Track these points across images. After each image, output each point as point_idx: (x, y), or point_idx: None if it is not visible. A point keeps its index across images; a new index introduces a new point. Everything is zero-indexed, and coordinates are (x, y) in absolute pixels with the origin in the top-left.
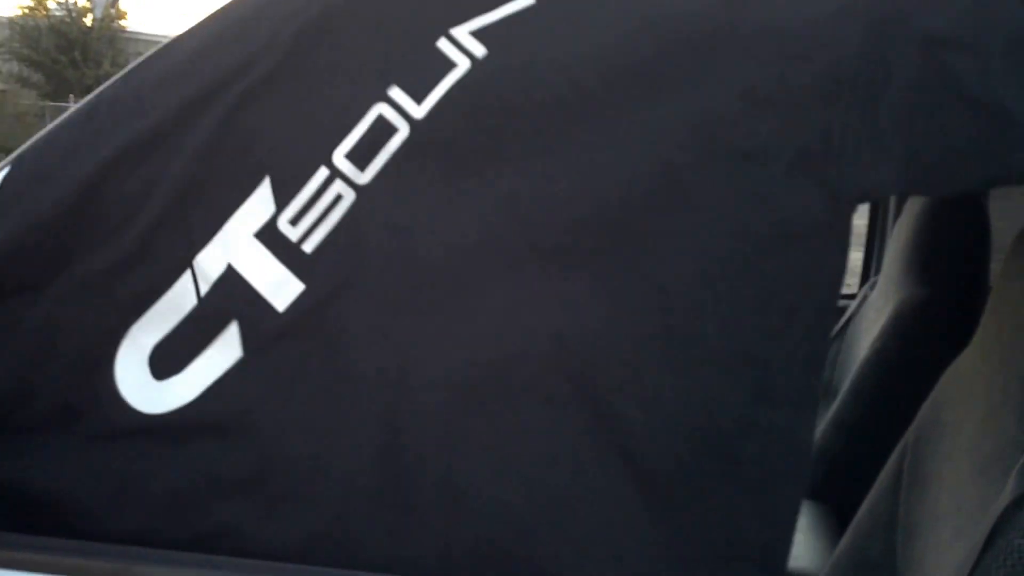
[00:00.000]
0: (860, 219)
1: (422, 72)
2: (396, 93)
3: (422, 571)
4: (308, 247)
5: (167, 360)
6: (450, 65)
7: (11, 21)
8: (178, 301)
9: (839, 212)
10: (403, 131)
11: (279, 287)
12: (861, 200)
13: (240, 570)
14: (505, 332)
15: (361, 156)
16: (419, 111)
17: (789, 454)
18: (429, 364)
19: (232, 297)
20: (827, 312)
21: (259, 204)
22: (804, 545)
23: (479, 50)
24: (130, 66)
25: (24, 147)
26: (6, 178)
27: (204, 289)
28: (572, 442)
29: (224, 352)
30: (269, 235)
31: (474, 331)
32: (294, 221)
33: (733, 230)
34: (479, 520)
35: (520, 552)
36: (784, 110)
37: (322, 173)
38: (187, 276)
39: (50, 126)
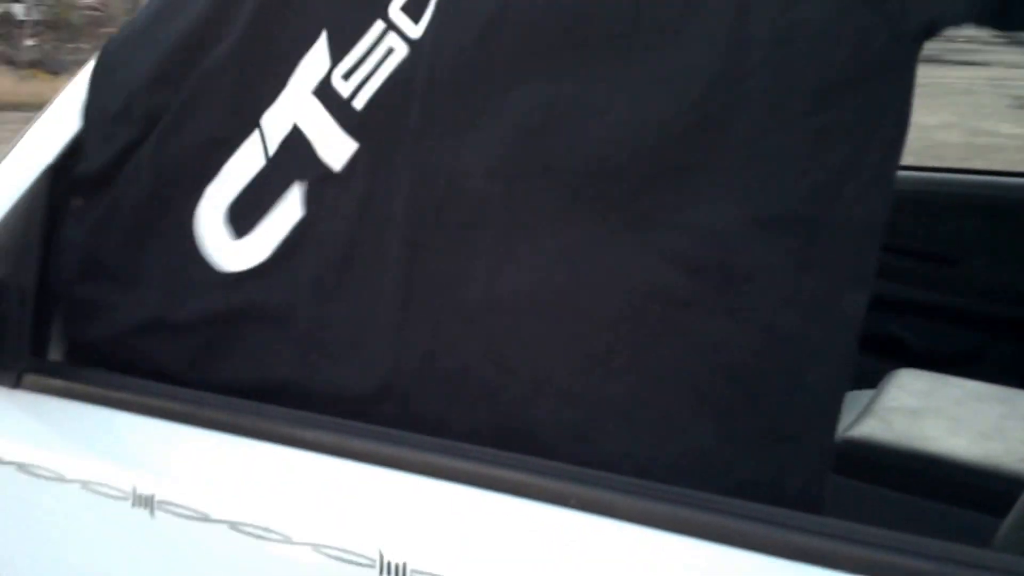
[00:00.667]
0: None
1: None
2: None
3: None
4: (358, 104)
5: (241, 220)
6: None
7: None
8: (247, 161)
9: (902, 50)
10: None
11: (335, 146)
12: (927, 34)
13: (309, 423)
14: None
15: (415, 7)
16: None
17: (831, 331)
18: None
19: (295, 157)
20: (886, 171)
21: (316, 59)
22: None
23: None
24: None
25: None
26: (106, 47)
27: (272, 149)
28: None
29: (289, 212)
30: (324, 91)
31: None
32: (347, 75)
33: (786, 81)
34: (543, 402)
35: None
36: None
37: (378, 27)
38: (255, 136)
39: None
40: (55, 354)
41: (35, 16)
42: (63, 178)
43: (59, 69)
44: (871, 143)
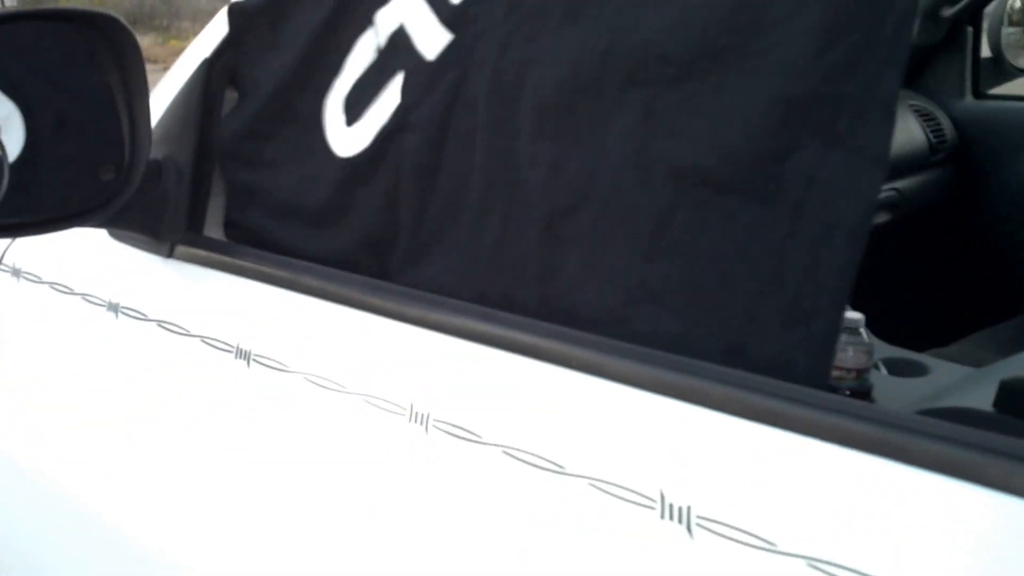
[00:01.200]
0: None
1: None
2: None
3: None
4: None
5: (353, 109)
6: None
7: None
8: (363, 55)
9: None
10: None
11: (432, 37)
12: None
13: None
14: None
15: None
16: None
17: (850, 211)
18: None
19: (399, 49)
20: (899, 50)
21: None
22: None
23: None
24: None
25: None
26: None
27: (382, 43)
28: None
29: (390, 100)
30: None
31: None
32: None
33: None
34: (590, 285)
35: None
36: None
37: None
38: (370, 31)
39: None
40: (215, 233)
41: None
42: (220, 70)
43: None
44: (884, 21)
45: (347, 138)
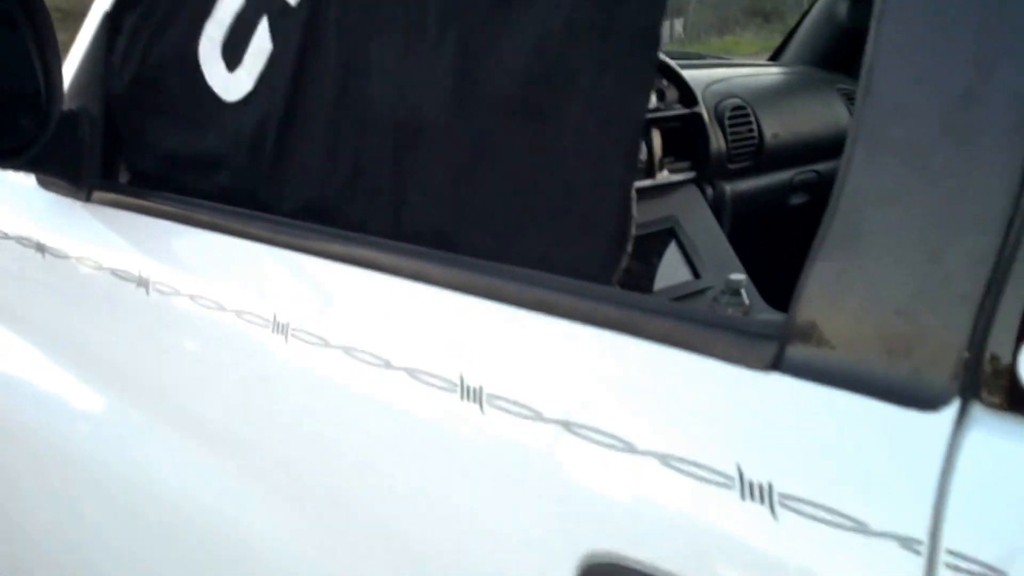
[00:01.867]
0: None
1: None
2: None
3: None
4: None
5: (230, 55)
6: None
7: None
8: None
9: None
10: None
11: None
12: None
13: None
14: None
15: None
16: None
17: (623, 130)
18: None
19: None
20: None
21: None
22: None
23: None
24: None
25: None
26: None
27: None
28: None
29: (261, 46)
30: None
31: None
32: None
33: None
34: (429, 210)
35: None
36: None
37: None
38: None
39: None
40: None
41: None
42: (115, 22)
43: None
44: None
45: (230, 83)
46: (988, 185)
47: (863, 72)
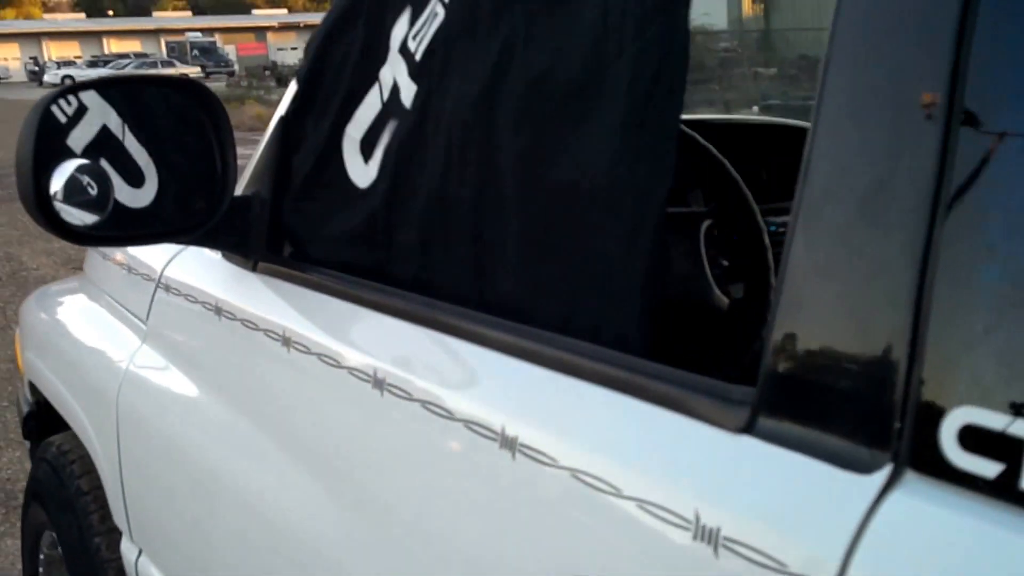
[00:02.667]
0: None
1: None
2: None
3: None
4: (418, 55)
5: (366, 149)
6: None
7: None
8: (372, 106)
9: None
10: None
11: (408, 88)
12: None
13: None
14: None
15: None
16: None
17: (650, 215)
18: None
19: (392, 102)
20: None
21: (401, 26)
22: None
23: None
24: None
25: None
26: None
27: (384, 96)
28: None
29: (383, 144)
30: (404, 49)
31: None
32: (415, 36)
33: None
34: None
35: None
36: None
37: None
38: (375, 87)
39: None
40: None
41: None
42: (288, 126)
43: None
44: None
45: (364, 173)
46: (899, 261)
47: (802, 163)
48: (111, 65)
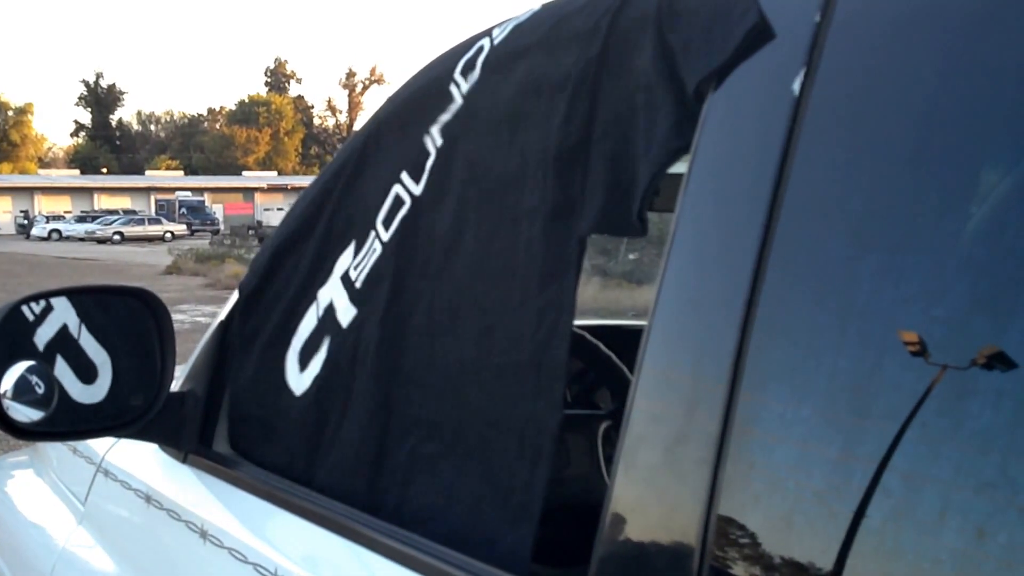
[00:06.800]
0: None
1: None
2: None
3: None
4: (358, 284)
5: (303, 360)
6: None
7: None
8: (311, 321)
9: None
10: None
11: (345, 312)
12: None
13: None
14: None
15: (385, 221)
16: (417, 189)
17: (549, 422)
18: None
19: (328, 320)
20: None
21: (346, 258)
22: None
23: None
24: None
25: None
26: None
27: (320, 314)
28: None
29: (320, 356)
30: (345, 278)
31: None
32: (356, 267)
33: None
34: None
35: None
36: None
37: (372, 235)
38: (314, 305)
39: None
40: (222, 446)
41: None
42: (229, 331)
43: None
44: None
45: (299, 380)
46: (693, 498)
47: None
48: (99, 220)
